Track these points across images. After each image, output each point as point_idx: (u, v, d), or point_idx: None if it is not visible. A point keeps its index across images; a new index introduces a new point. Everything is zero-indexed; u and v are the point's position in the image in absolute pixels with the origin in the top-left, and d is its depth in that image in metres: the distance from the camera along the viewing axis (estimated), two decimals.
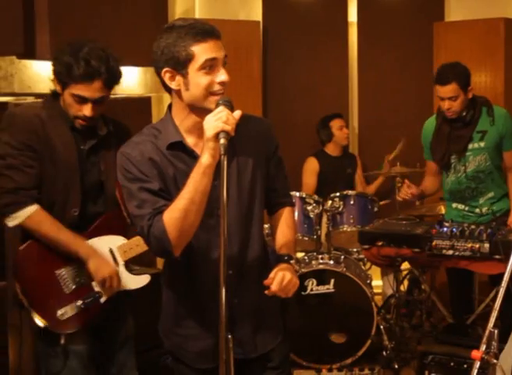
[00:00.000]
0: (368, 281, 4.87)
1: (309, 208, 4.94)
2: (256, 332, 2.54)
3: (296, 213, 4.94)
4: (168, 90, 2.38)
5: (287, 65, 6.25)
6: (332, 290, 4.59)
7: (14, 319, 3.52)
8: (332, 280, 4.58)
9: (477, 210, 4.35)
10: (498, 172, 4.34)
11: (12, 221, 2.91)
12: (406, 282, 5.42)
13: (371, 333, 4.54)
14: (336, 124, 5.87)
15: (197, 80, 2.28)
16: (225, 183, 2.08)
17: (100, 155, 3.09)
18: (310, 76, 6.26)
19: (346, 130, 5.90)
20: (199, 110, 2.32)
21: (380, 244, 4.24)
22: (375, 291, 5.11)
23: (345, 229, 5.07)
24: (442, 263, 4.27)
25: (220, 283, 2.05)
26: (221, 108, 2.21)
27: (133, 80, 4.57)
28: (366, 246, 4.38)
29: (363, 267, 5.16)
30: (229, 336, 2.07)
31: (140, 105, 4.67)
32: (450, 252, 3.96)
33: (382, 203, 5.38)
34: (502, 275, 2.47)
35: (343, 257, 4.86)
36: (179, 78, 2.31)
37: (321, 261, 4.75)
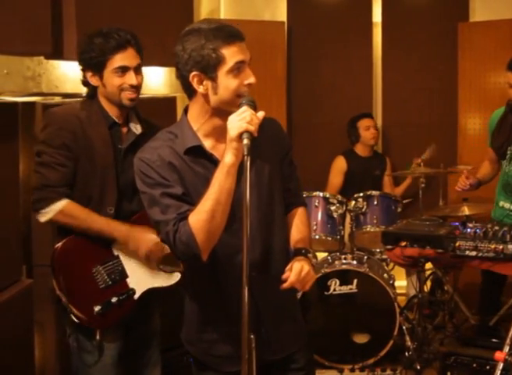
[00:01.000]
0: (391, 282, 4.87)
1: (332, 208, 4.94)
2: (281, 333, 2.52)
3: (319, 213, 4.97)
4: (191, 93, 2.35)
5: (311, 65, 6.26)
6: (355, 290, 4.60)
7: (41, 316, 3.56)
8: (355, 281, 4.59)
9: None
10: None
11: (44, 216, 2.97)
12: (429, 283, 5.41)
13: (393, 334, 4.54)
14: (363, 124, 5.86)
15: (227, 84, 2.26)
16: (248, 181, 2.07)
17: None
18: (334, 77, 6.26)
19: (373, 131, 5.86)
20: (224, 113, 2.28)
21: (403, 244, 4.23)
22: (398, 291, 5.10)
23: (368, 229, 5.07)
24: (465, 264, 4.26)
25: (243, 284, 2.03)
26: (244, 108, 2.20)
27: (158, 80, 4.60)
28: (389, 246, 4.38)
29: (386, 268, 5.15)
30: (252, 336, 2.04)
31: (166, 105, 4.69)
32: (474, 253, 3.93)
33: (404, 202, 5.36)
34: None
35: (366, 257, 4.86)
36: (207, 82, 2.27)
37: (344, 261, 4.76)
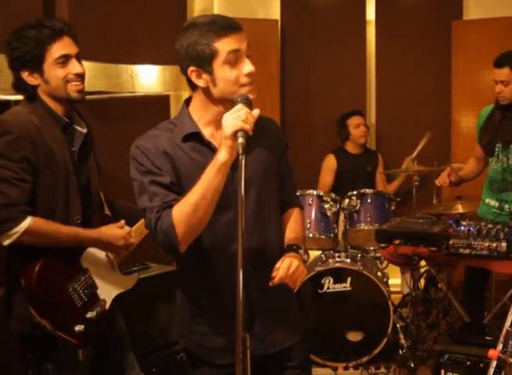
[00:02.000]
0: (385, 280, 4.88)
1: (326, 206, 4.94)
2: (275, 327, 2.52)
3: (313, 211, 4.96)
4: (193, 87, 2.38)
5: (305, 63, 6.25)
6: (349, 288, 4.60)
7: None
8: (349, 279, 4.59)
9: (506, 206, 4.36)
10: None
11: (9, 239, 2.68)
12: (423, 281, 5.41)
13: (387, 332, 4.54)
14: (352, 122, 5.85)
15: (224, 75, 2.27)
16: (243, 180, 2.04)
17: (86, 156, 2.99)
18: (328, 75, 6.26)
19: (363, 128, 5.85)
20: (230, 102, 2.27)
21: (397, 242, 4.23)
22: (392, 289, 5.11)
23: (362, 227, 5.07)
24: (459, 262, 4.27)
25: (238, 279, 1.98)
26: (239, 106, 2.19)
27: (151, 79, 4.59)
28: (383, 244, 4.39)
29: (380, 266, 5.15)
30: (247, 335, 2.00)
31: (159, 104, 4.69)
32: (467, 251, 3.94)
33: (398, 199, 5.37)
34: None
35: (359, 255, 4.87)
36: (205, 76, 2.29)
37: (337, 259, 4.76)
